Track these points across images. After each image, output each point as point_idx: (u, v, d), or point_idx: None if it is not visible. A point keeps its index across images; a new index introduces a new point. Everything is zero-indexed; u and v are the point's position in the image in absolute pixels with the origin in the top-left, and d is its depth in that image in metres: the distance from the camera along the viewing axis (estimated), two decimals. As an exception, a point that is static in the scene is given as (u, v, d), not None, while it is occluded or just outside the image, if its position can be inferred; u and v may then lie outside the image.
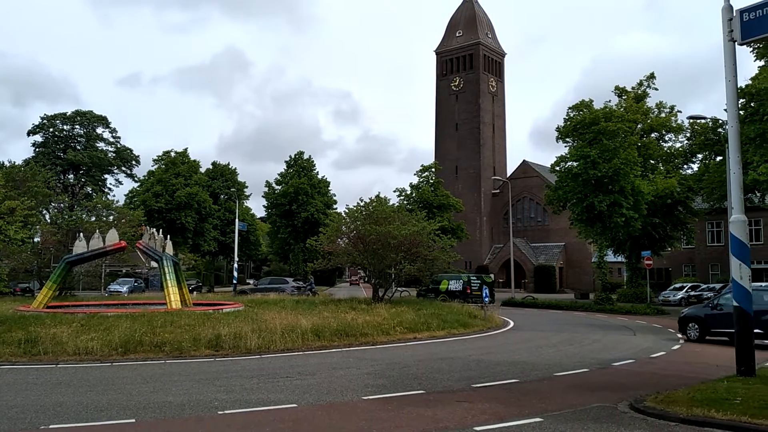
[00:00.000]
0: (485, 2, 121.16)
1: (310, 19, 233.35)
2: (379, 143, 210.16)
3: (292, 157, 67.96)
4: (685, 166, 41.88)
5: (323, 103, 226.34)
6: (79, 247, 26.52)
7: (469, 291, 35.91)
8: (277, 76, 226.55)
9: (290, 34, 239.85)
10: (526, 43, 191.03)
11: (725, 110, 11.61)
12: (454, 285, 37.32)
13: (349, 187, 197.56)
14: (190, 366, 13.00)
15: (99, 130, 67.26)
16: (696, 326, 19.69)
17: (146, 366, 12.96)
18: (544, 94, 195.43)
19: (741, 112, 25.08)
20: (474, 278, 38.43)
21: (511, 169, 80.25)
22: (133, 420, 8.19)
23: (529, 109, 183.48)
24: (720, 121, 33.17)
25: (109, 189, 67.07)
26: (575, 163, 36.02)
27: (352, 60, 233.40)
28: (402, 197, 52.65)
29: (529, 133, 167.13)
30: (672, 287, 44.71)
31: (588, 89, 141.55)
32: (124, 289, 45.82)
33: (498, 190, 77.71)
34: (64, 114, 65.76)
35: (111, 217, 45.03)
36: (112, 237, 26.98)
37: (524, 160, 78.06)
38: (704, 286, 43.01)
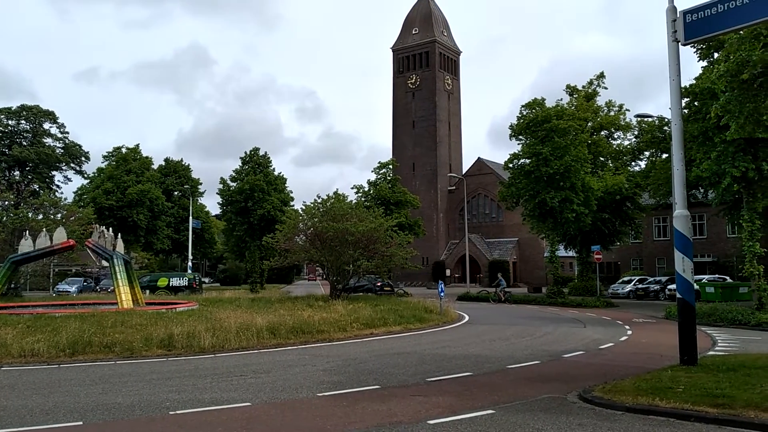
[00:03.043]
0: (443, 1, 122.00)
1: (277, 17, 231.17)
2: (341, 140, 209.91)
3: (248, 153, 67.11)
4: (633, 163, 43.11)
5: (287, 100, 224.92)
6: (25, 246, 25.80)
7: (195, 285, 43.57)
8: (240, 74, 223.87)
9: (256, 31, 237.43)
10: (486, 43, 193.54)
11: (670, 109, 11.99)
12: (177, 281, 43.80)
13: (310, 184, 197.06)
14: (142, 366, 12.76)
15: (46, 126, 65.23)
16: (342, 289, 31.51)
17: (95, 367, 12.66)
18: (502, 93, 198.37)
19: (685, 111, 25.86)
20: (198, 276, 47.23)
21: (467, 166, 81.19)
22: (80, 423, 8.00)
23: (488, 108, 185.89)
24: (666, 120, 34.14)
25: (57, 186, 65.15)
26: (528, 161, 36.68)
27: (318, 58, 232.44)
28: (360, 194, 52.67)
29: (487, 131, 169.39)
30: (621, 280, 46.01)
31: (545, 88, 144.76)
32: (73, 288, 44.60)
33: (454, 187, 78.51)
34: (9, 108, 63.52)
35: (59, 215, 43.83)
36: (60, 235, 26.31)
37: (479, 158, 79.12)
38: (651, 279, 44.38)
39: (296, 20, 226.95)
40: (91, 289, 47.16)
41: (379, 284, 41.88)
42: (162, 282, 42.36)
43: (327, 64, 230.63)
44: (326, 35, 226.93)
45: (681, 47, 11.53)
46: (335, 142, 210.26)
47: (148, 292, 38.81)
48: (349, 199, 34.18)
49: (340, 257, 29.12)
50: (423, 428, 7.59)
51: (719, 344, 16.46)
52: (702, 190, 33.46)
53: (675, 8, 11.52)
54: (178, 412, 8.56)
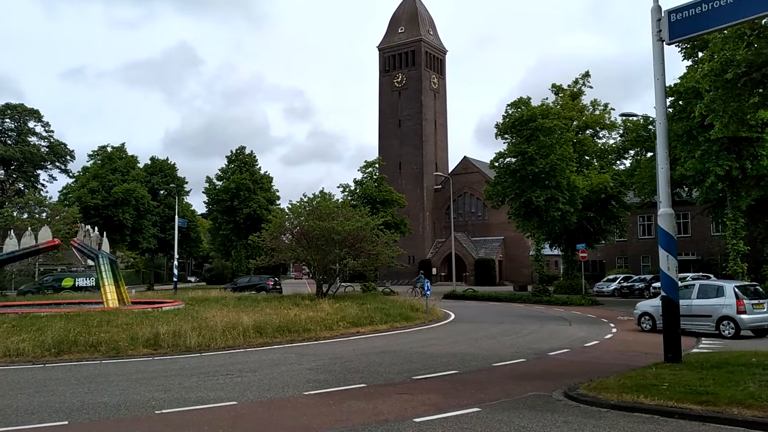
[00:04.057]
0: (429, 0, 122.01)
1: (265, 16, 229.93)
2: (329, 139, 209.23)
3: (234, 152, 66.75)
4: (618, 162, 43.42)
5: (276, 99, 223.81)
6: (10, 245, 25.54)
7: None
8: (229, 73, 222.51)
9: (244, 31, 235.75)
10: (473, 42, 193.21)
11: (655, 108, 12.11)
12: (83, 281, 41.74)
13: (298, 183, 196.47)
14: (127, 366, 12.69)
15: (31, 124, 64.39)
16: (231, 287, 41.30)
17: (81, 367, 12.57)
18: (489, 92, 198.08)
19: (670, 110, 26.09)
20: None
21: (453, 165, 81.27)
22: (66, 422, 7.95)
23: (475, 107, 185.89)
24: (651, 119, 34.42)
25: (43, 185, 64.42)
26: (513, 159, 36.83)
27: (305, 57, 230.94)
28: (346, 193, 52.51)
29: (474, 130, 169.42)
30: (606, 279, 46.30)
31: (532, 88, 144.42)
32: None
33: (440, 186, 78.62)
34: (-7, 107, 62.74)
35: (44, 214, 43.44)
36: (45, 235, 26.08)
37: (465, 156, 79.20)
38: (636, 277, 44.72)
39: (284, 19, 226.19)
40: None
41: (270, 283, 43.03)
42: (67, 282, 39.80)
43: (314, 62, 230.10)
44: (313, 34, 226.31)
45: (666, 47, 11.64)
46: (322, 141, 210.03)
47: (51, 290, 37.44)
48: (335, 198, 34.18)
49: (327, 256, 29.07)
50: (409, 426, 7.61)
51: (703, 342, 16.63)
52: (686, 189, 33.74)
53: (660, 8, 11.62)
54: (164, 411, 8.53)
